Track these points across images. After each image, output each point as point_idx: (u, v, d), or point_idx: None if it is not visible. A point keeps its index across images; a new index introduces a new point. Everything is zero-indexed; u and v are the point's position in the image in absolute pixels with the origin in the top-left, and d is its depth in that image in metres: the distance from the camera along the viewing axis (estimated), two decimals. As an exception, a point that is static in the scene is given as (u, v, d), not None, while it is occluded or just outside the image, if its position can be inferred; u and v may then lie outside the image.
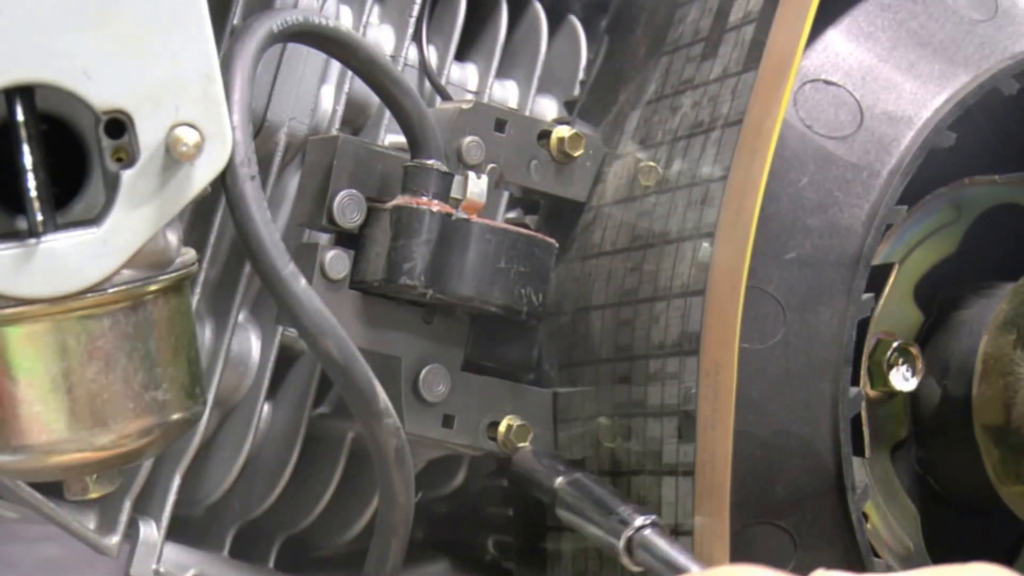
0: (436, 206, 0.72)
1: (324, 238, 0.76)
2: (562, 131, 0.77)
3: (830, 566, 0.59)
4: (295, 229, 0.79)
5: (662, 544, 0.67)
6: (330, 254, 0.72)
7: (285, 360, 0.82)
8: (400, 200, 0.72)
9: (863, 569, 0.72)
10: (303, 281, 0.64)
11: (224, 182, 0.63)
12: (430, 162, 0.72)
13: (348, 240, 0.73)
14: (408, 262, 0.71)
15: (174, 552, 0.79)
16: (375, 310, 0.74)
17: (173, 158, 0.60)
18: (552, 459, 0.74)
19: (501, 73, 0.87)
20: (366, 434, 0.67)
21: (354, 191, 0.73)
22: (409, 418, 0.74)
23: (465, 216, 0.72)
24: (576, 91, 0.87)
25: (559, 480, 0.72)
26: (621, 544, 0.67)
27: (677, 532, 0.69)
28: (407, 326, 0.74)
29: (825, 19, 0.76)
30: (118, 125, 0.60)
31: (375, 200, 0.73)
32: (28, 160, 0.59)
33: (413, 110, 0.72)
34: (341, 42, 0.70)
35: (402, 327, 0.74)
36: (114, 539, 0.77)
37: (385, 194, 0.73)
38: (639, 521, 0.67)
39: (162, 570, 0.78)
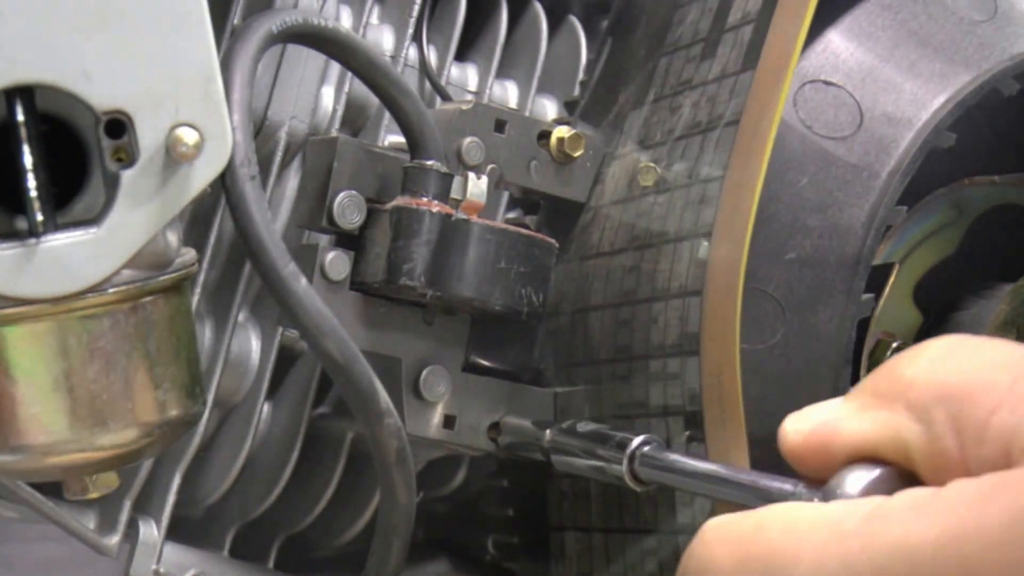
0: (436, 207, 0.72)
1: (324, 239, 0.76)
2: (562, 131, 0.77)
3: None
4: (295, 230, 0.79)
5: (666, 456, 0.66)
6: (330, 255, 0.72)
7: (285, 360, 0.82)
8: (400, 201, 0.72)
9: None
10: (304, 281, 0.64)
11: (224, 182, 0.63)
12: (430, 163, 0.72)
13: (348, 241, 0.73)
14: (408, 263, 0.71)
15: (174, 552, 0.79)
16: (375, 311, 0.74)
17: (173, 158, 0.60)
18: (537, 422, 0.74)
19: (501, 73, 0.87)
20: (367, 435, 0.66)
21: (354, 192, 0.72)
22: (410, 419, 0.74)
23: (465, 217, 0.72)
24: (576, 91, 0.87)
25: (548, 431, 0.72)
26: (624, 465, 0.66)
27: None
28: (408, 327, 0.74)
29: (825, 19, 0.76)
30: (118, 125, 0.60)
31: (375, 201, 0.73)
32: (28, 160, 0.59)
33: (412, 111, 0.72)
34: (340, 43, 0.70)
35: (403, 328, 0.74)
36: (114, 539, 0.77)
37: (385, 195, 0.73)
38: (636, 440, 0.66)
39: (162, 570, 0.78)
